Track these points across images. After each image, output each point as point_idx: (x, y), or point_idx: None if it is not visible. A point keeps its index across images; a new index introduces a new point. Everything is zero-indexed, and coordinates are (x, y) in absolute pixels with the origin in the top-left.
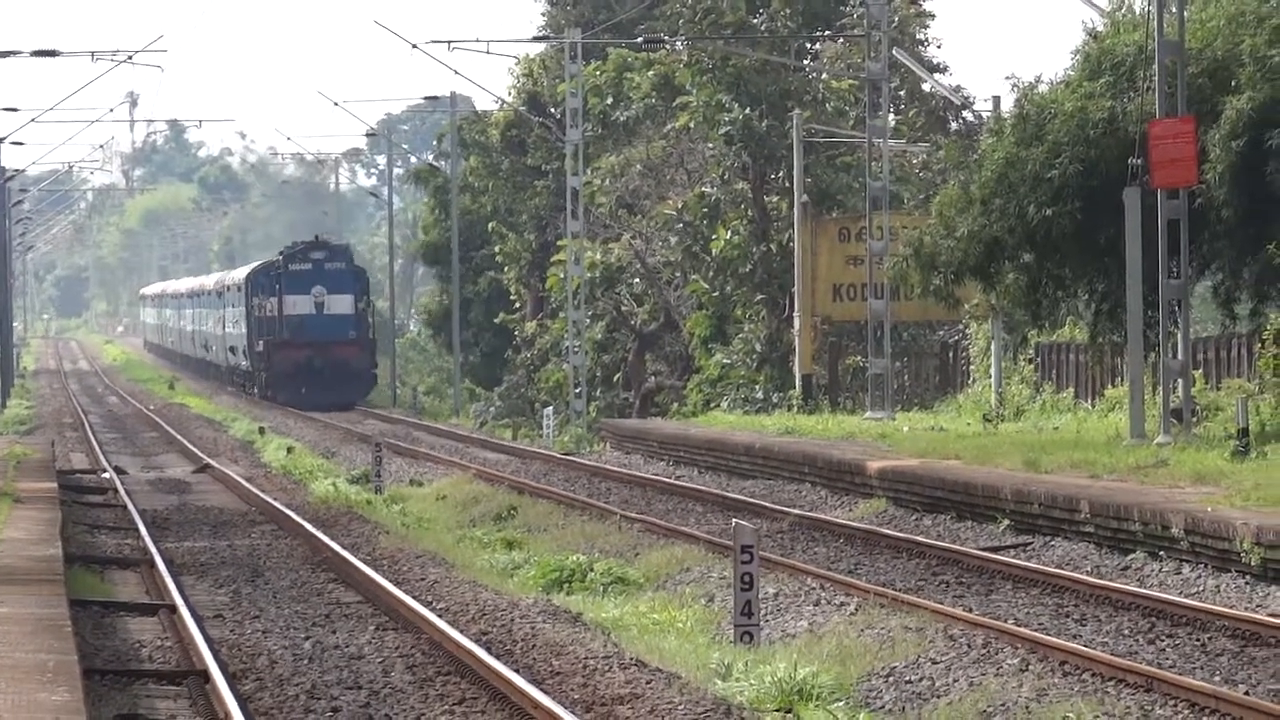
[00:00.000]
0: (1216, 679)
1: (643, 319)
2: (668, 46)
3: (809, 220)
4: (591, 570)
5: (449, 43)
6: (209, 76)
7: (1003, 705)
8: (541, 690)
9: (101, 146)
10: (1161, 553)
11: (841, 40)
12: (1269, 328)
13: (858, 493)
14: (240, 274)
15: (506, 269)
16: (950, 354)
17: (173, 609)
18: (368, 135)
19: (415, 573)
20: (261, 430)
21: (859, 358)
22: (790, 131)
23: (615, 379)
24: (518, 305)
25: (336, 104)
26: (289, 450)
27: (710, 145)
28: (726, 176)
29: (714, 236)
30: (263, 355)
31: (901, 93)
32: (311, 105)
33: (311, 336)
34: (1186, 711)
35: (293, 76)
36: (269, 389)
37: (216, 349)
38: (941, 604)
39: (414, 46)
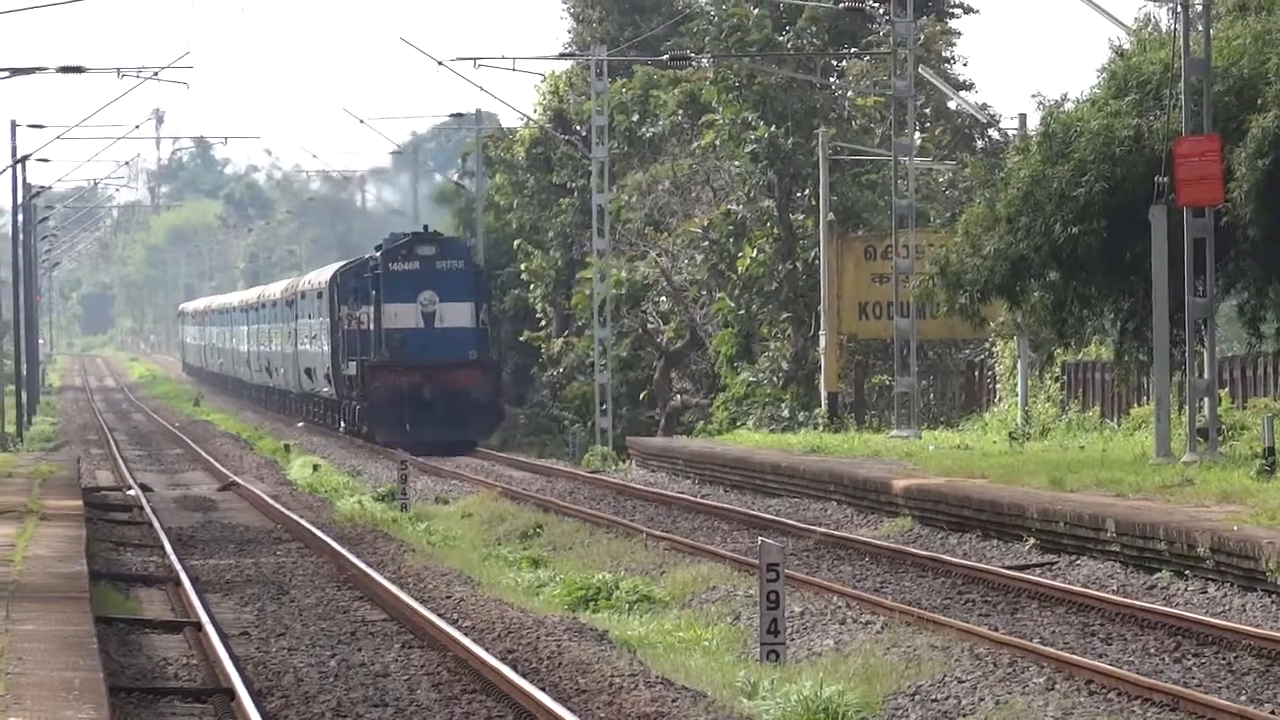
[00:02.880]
0: (1243, 699)
1: (668, 337)
2: (694, 64)
3: (835, 238)
4: (617, 588)
5: (474, 59)
6: (235, 93)
7: None
8: (568, 708)
9: (127, 163)
10: (1187, 572)
11: (867, 58)
12: None
13: (883, 511)
14: (322, 276)
15: (532, 286)
16: (976, 372)
17: (198, 626)
18: (393, 153)
19: (441, 590)
20: (287, 447)
21: (885, 376)
22: (816, 149)
23: (641, 397)
24: (543, 323)
25: (362, 121)
26: (315, 468)
27: (736, 163)
28: (752, 194)
29: (740, 254)
30: (354, 381)
31: (927, 110)
32: (337, 122)
33: (420, 357)
34: None
35: (319, 93)
36: (362, 424)
37: (285, 372)
38: (967, 623)
39: (440, 64)
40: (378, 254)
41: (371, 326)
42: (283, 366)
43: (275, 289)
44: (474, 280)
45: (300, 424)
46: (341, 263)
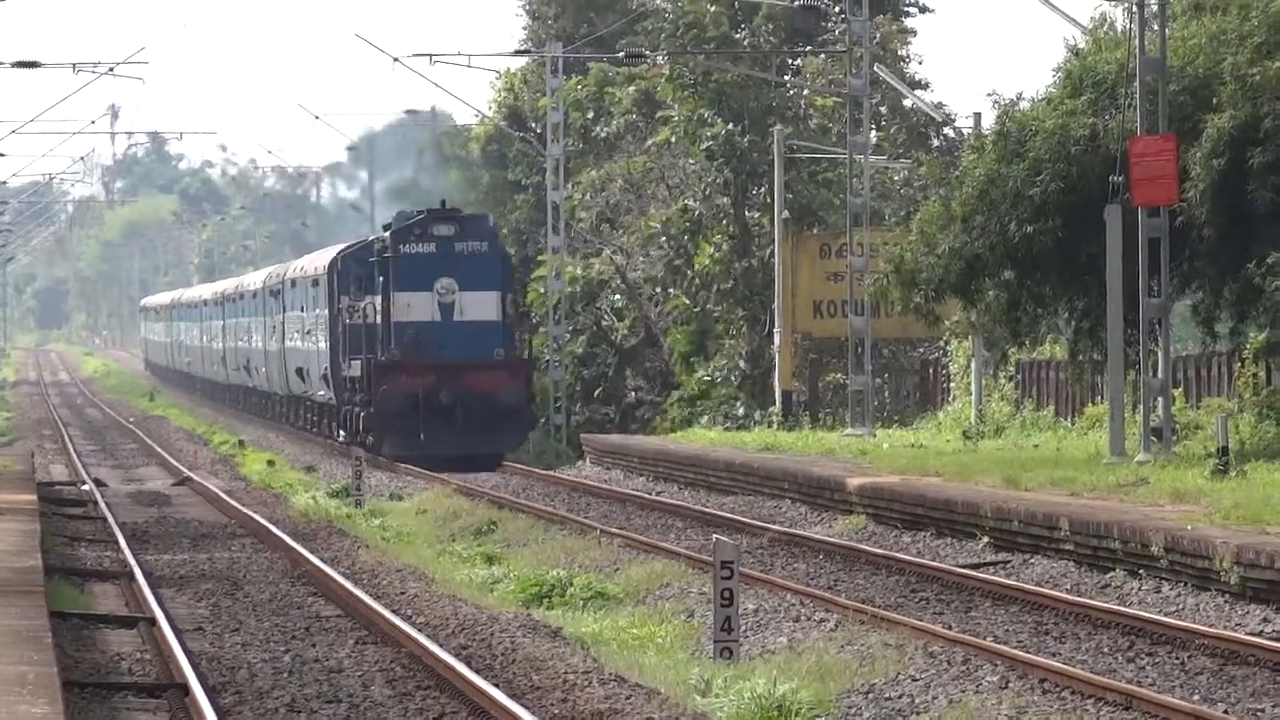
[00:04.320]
0: (1196, 698)
1: (623, 334)
2: (649, 61)
3: (790, 236)
4: (571, 585)
5: (430, 56)
6: (190, 89)
7: (983, 718)
8: (521, 705)
9: (82, 158)
10: (1141, 571)
11: (823, 56)
12: (1249, 346)
13: (837, 509)
14: (318, 261)
15: None
16: (930, 371)
17: (152, 621)
18: (349, 149)
19: (395, 587)
20: (241, 443)
21: (839, 374)
22: (772, 147)
23: (596, 393)
24: None
25: (317, 118)
26: (270, 464)
27: (692, 160)
28: (708, 192)
29: (696, 251)
30: (359, 383)
31: (883, 109)
32: (292, 118)
33: (437, 355)
34: None
35: (274, 89)
36: (368, 433)
37: (267, 372)
38: (921, 621)
39: (395, 60)
40: (386, 234)
41: (379, 319)
42: (265, 365)
43: (255, 278)
44: (500, 265)
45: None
46: (342, 245)
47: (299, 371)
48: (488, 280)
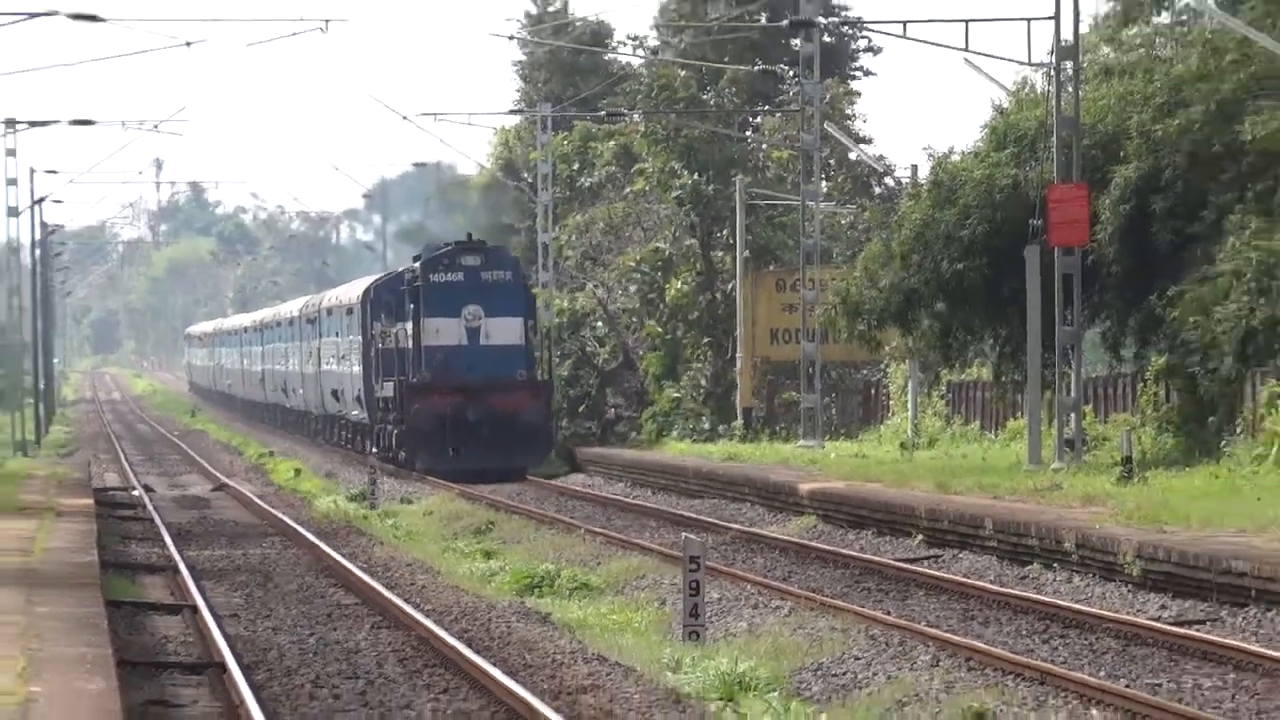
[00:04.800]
0: (1102, 674)
1: (604, 358)
2: (627, 119)
3: (750, 273)
4: (559, 577)
5: (435, 114)
6: (226, 143)
7: (916, 696)
8: (516, 681)
9: (131, 205)
10: (1055, 564)
11: (779, 115)
12: (1151, 369)
13: (791, 511)
14: (352, 291)
15: None
16: (872, 390)
17: (194, 609)
18: (364, 196)
19: (406, 578)
20: (271, 453)
21: (793, 393)
22: (734, 195)
23: (580, 410)
24: None
25: (336, 168)
26: (296, 472)
27: (664, 206)
28: (677, 234)
29: (667, 286)
30: (391, 403)
31: (831, 161)
32: (315, 168)
33: (465, 377)
34: (1075, 702)
35: (298, 143)
36: (400, 449)
37: (304, 393)
38: (864, 608)
39: (405, 118)
40: (416, 265)
41: (410, 344)
42: (302, 387)
43: (292, 307)
44: (523, 293)
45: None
46: (374, 276)
47: (334, 393)
48: (511, 307)
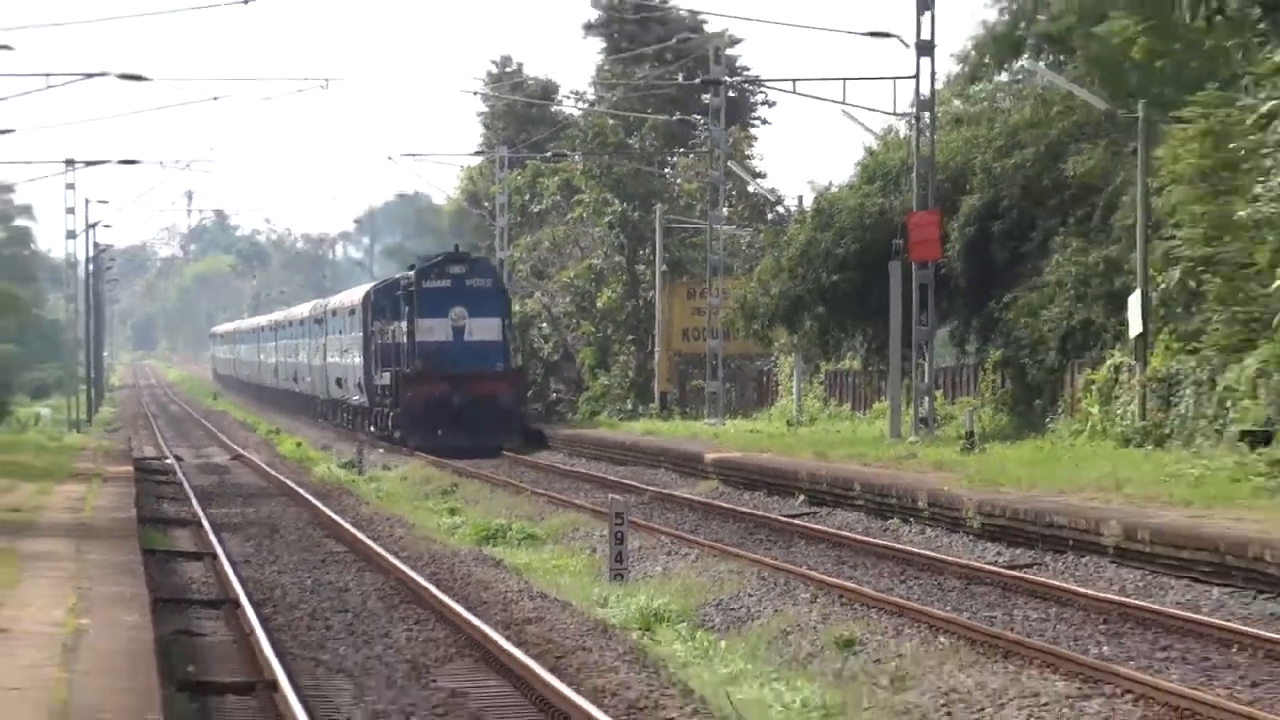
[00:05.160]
0: (948, 608)
1: (548, 352)
2: (569, 159)
3: (666, 283)
4: (509, 529)
5: (414, 155)
6: (245, 177)
7: (798, 625)
8: (474, 614)
9: (166, 228)
10: (911, 519)
11: (691, 155)
12: (989, 361)
13: (698, 476)
14: (354, 296)
15: None
16: (764, 378)
17: (214, 556)
18: (356, 221)
19: (388, 531)
20: (278, 430)
21: (700, 380)
22: (654, 220)
23: (528, 395)
24: None
25: (334, 198)
26: (298, 445)
27: (597, 229)
28: (608, 252)
29: (599, 294)
30: (388, 390)
31: (733, 192)
32: (317, 198)
33: (451, 368)
34: (926, 630)
35: (304, 177)
36: (396, 429)
37: (312, 380)
38: (756, 554)
39: (389, 158)
40: (411, 273)
41: (405, 339)
42: (310, 375)
43: (301, 310)
44: (500, 297)
45: (370, 433)
46: (372, 283)
47: (338, 381)
48: (491, 309)
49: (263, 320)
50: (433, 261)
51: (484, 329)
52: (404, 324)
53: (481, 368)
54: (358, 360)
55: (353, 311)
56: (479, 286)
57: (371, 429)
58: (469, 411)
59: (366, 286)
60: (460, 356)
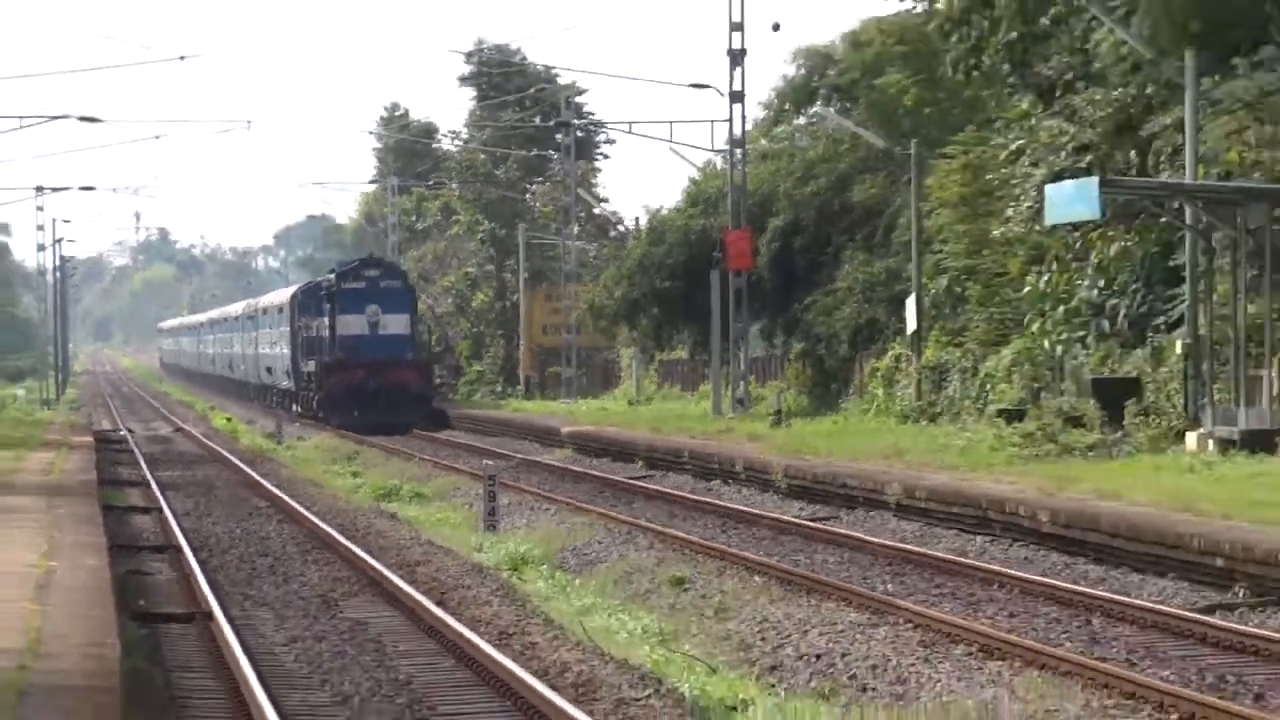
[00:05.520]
0: (761, 553)
1: (432, 345)
2: (447, 186)
3: (529, 288)
4: (402, 489)
5: (321, 183)
6: (184, 200)
7: (638, 567)
8: (373, 558)
9: (119, 243)
10: (730, 480)
11: (548, 183)
12: (793, 352)
13: (556, 445)
14: (281, 296)
15: None
16: (610, 365)
17: (160, 510)
18: (275, 236)
19: (302, 490)
20: (213, 408)
21: (557, 367)
22: (518, 236)
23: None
24: None
25: (254, 216)
26: (229, 420)
27: (471, 244)
28: (481, 263)
29: (473, 297)
30: (313, 376)
31: (582, 214)
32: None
33: (367, 357)
34: (744, 571)
35: (232, 199)
36: (319, 410)
37: (245, 368)
38: (604, 509)
39: (299, 185)
40: (332, 275)
41: (327, 333)
42: (243, 364)
43: (235, 308)
44: (409, 296)
45: (294, 410)
46: (296, 285)
47: (268, 369)
48: (401, 306)
49: (202, 317)
50: (350, 266)
51: (395, 324)
52: (326, 320)
53: (393, 356)
54: (285, 351)
55: (281, 309)
56: (390, 287)
57: (298, 409)
58: (383, 395)
59: (293, 288)
60: (375, 347)
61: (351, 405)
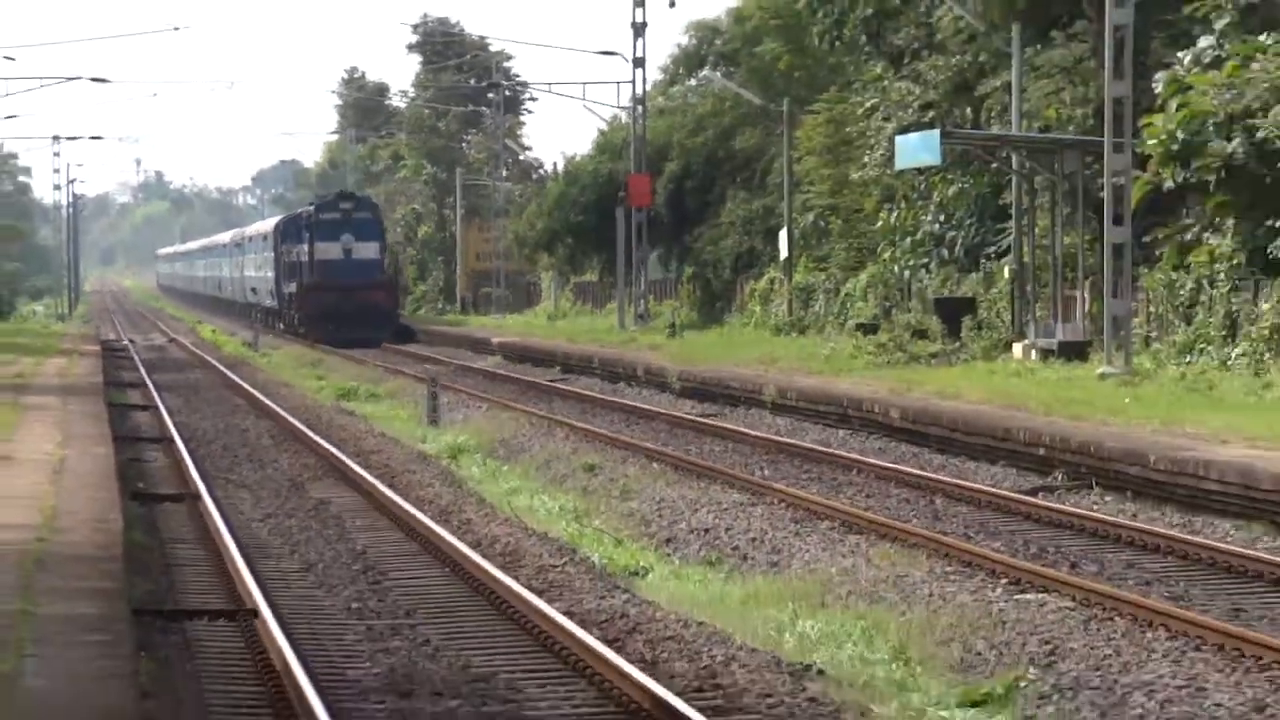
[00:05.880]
0: (659, 444)
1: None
2: (397, 136)
3: (464, 223)
4: (359, 390)
5: (292, 133)
6: (178, 147)
7: (557, 456)
8: (334, 447)
9: (122, 183)
10: (633, 383)
11: (481, 135)
12: (685, 275)
13: (487, 353)
14: (267, 225)
15: None
16: (532, 287)
17: (156, 408)
18: (253, 177)
19: (275, 390)
20: (200, 322)
21: (489, 289)
22: (456, 179)
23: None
24: None
25: (238, 157)
26: (213, 332)
27: (416, 185)
28: (425, 201)
29: (419, 229)
30: (294, 297)
31: (509, 160)
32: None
33: (341, 280)
34: (644, 459)
35: (219, 145)
36: (300, 327)
37: (232, 290)
38: (527, 407)
39: (274, 135)
40: (311, 208)
41: (306, 259)
42: (231, 286)
43: (224, 237)
44: (378, 226)
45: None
46: (279, 216)
47: (253, 290)
48: (372, 235)
49: (195, 244)
50: (327, 200)
51: (366, 250)
52: (305, 246)
53: (365, 279)
54: (269, 274)
55: (265, 237)
56: (362, 218)
57: (280, 326)
58: (356, 313)
59: (276, 219)
60: (349, 271)
61: (328, 322)
